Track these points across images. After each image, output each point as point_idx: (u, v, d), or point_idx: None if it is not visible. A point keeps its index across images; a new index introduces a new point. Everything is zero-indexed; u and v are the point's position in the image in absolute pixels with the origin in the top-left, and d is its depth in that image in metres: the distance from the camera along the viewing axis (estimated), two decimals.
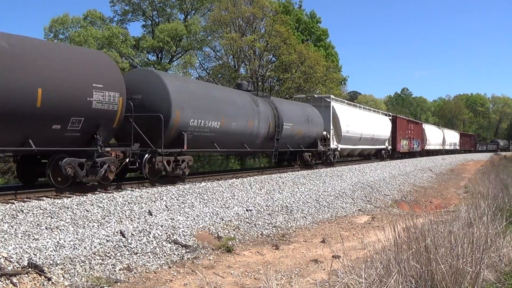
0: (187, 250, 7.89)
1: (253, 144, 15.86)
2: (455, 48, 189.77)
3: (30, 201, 8.29)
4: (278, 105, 17.48)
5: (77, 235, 7.08)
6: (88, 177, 9.67)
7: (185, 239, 8.26)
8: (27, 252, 6.11)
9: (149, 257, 7.25)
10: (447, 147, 55.68)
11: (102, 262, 6.61)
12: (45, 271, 5.85)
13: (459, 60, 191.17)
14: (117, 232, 7.55)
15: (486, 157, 60.03)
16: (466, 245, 5.42)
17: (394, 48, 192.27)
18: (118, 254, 6.98)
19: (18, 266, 5.79)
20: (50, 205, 7.95)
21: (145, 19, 36.48)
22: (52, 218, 7.45)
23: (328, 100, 22.58)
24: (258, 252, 8.43)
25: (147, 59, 34.66)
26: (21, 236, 6.59)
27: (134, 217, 8.53)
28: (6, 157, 11.57)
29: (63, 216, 7.63)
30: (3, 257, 5.82)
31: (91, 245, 6.89)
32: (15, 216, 7.19)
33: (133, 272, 6.68)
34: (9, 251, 6.01)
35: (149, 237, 7.81)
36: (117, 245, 7.16)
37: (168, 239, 8.02)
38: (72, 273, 6.09)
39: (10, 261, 5.80)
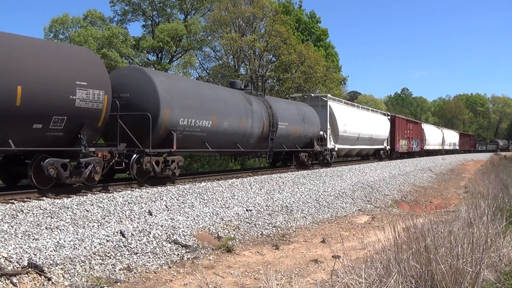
0: (187, 250, 7.89)
1: (246, 144, 15.54)
2: (455, 48, 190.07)
3: (30, 201, 8.28)
4: (273, 104, 17.13)
5: (77, 235, 7.08)
6: (72, 178, 9.32)
7: (185, 239, 8.26)
8: (27, 252, 6.11)
9: (149, 257, 7.25)
10: (446, 147, 55.63)
11: (102, 262, 6.61)
12: (45, 271, 5.85)
13: (459, 60, 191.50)
14: (117, 232, 7.55)
15: (486, 157, 60.04)
16: (466, 245, 5.42)
17: (394, 48, 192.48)
18: (118, 254, 6.98)
19: (18, 266, 5.79)
20: (50, 205, 7.95)
21: (145, 19, 36.53)
22: (52, 218, 7.45)
23: (325, 99, 22.24)
24: (258, 252, 8.43)
25: (147, 59, 34.71)
26: (21, 236, 6.59)
27: (134, 217, 8.54)
28: None
29: (63, 216, 7.63)
30: (3, 257, 5.82)
31: (91, 245, 6.89)
32: (15, 216, 7.19)
33: (133, 272, 6.68)
34: (9, 251, 6.01)
35: (149, 237, 7.81)
36: (117, 245, 7.16)
37: (168, 239, 8.02)
38: (72, 273, 6.09)
39: (10, 261, 5.80)
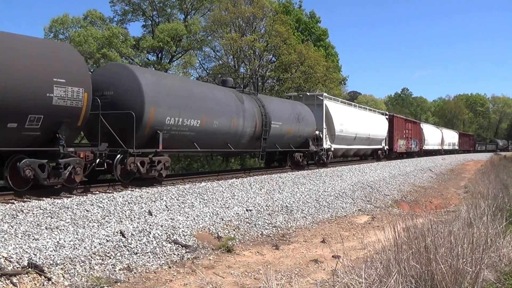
0: (187, 250, 7.89)
1: (238, 144, 15.16)
2: (455, 48, 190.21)
3: (30, 201, 8.28)
4: (266, 103, 16.67)
5: (77, 235, 7.08)
6: (50, 179, 8.94)
7: (185, 239, 8.26)
8: (27, 252, 6.11)
9: (149, 257, 7.26)
10: (446, 147, 55.55)
11: (102, 262, 6.61)
12: (45, 271, 5.85)
13: (459, 60, 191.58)
14: (117, 232, 7.55)
15: (486, 157, 60.05)
16: (466, 245, 5.42)
17: (394, 48, 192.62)
18: (118, 254, 6.98)
19: (18, 266, 5.79)
20: (50, 205, 7.96)
21: (145, 19, 36.48)
22: (52, 218, 7.45)
23: (321, 98, 21.72)
24: (258, 252, 8.43)
25: (147, 59, 34.67)
26: (21, 236, 6.59)
27: (134, 217, 8.54)
28: None
29: (63, 216, 7.64)
30: (3, 257, 5.82)
31: (91, 245, 6.89)
32: (15, 216, 7.19)
33: (133, 272, 6.68)
34: (9, 251, 6.01)
35: (149, 237, 7.81)
36: (117, 245, 7.16)
37: (168, 239, 8.02)
38: (72, 273, 6.09)
39: (10, 261, 5.80)
